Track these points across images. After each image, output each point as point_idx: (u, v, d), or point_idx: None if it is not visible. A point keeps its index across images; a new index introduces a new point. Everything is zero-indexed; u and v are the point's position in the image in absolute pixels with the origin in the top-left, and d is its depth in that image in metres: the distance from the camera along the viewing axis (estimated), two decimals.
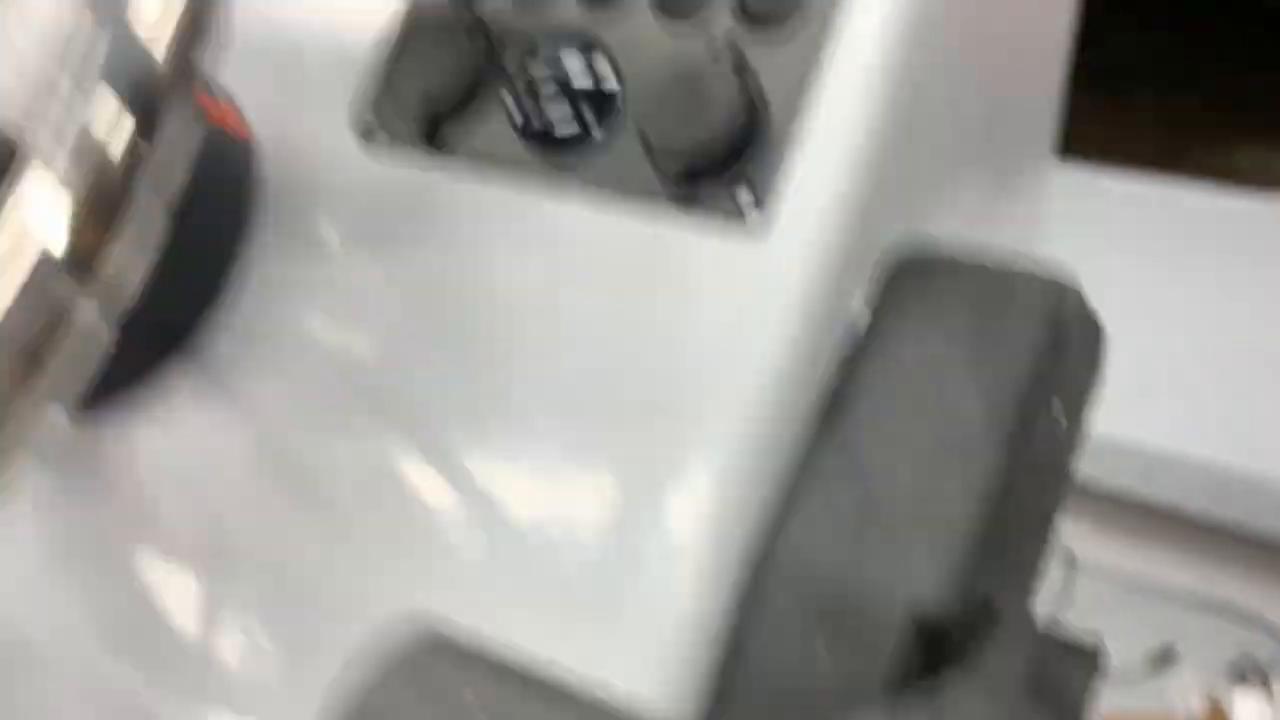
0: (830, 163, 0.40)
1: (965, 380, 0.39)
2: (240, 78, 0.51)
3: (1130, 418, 1.37)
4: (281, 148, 0.49)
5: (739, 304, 0.39)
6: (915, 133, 0.43)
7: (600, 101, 0.43)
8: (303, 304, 0.47)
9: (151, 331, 0.47)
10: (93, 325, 0.33)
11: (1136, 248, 1.88)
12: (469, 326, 0.43)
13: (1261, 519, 1.30)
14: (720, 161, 0.40)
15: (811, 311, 0.39)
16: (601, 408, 0.41)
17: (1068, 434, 0.45)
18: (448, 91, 0.45)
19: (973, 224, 0.54)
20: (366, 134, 0.47)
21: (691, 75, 0.40)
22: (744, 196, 0.40)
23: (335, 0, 0.50)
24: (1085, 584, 1.35)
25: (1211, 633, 1.29)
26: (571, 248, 0.43)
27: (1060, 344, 0.41)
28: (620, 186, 0.42)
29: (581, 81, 0.43)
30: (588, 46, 0.44)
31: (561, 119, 0.43)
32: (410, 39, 0.46)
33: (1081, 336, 0.45)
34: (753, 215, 0.40)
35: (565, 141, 0.43)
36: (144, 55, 0.33)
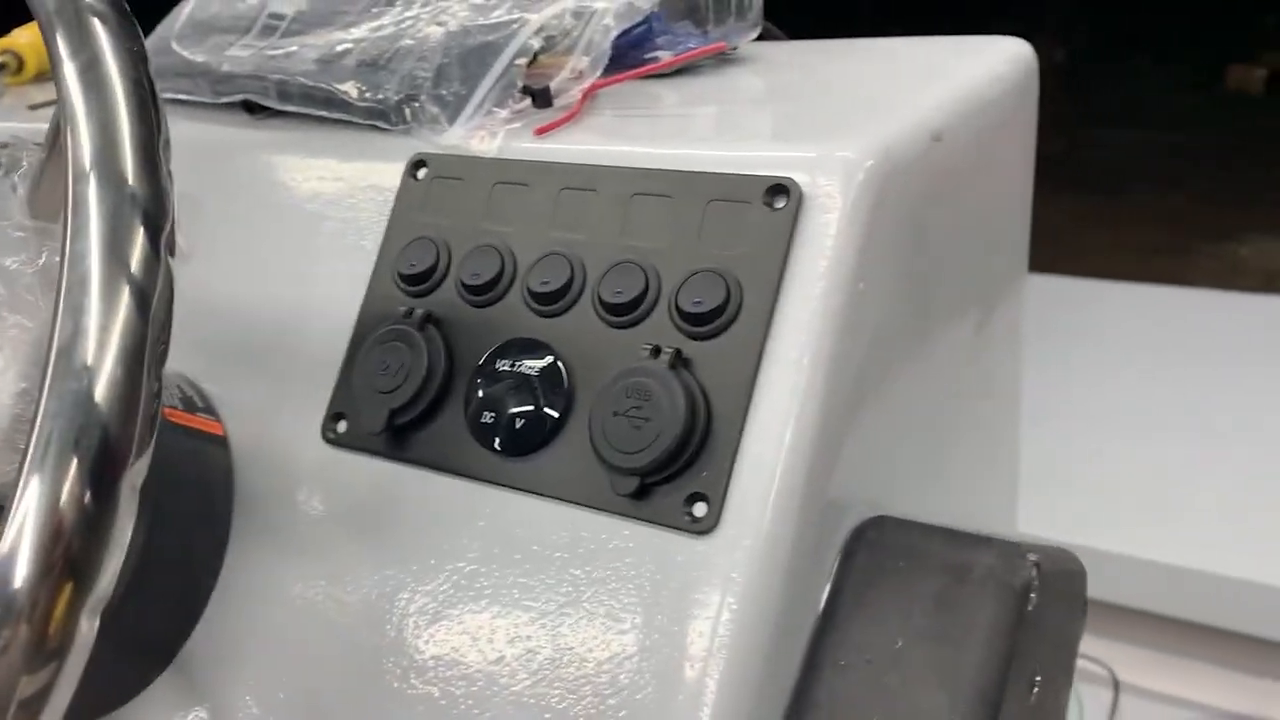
0: (777, 454, 0.41)
1: (925, 672, 0.39)
2: (218, 384, 0.53)
3: (1159, 537, 1.36)
4: (256, 451, 0.51)
5: (691, 603, 0.40)
6: (872, 393, 0.45)
7: (552, 407, 0.45)
8: (280, 608, 0.48)
9: (136, 649, 0.48)
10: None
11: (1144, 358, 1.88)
12: (433, 643, 0.44)
13: None
14: (669, 468, 0.41)
15: (765, 607, 0.40)
16: (565, 709, 0.41)
17: (1051, 695, 0.45)
18: (405, 393, 0.47)
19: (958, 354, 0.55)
20: (331, 435, 0.49)
21: (640, 387, 0.42)
22: (692, 499, 0.41)
23: (304, 305, 0.52)
24: (1129, 703, 1.31)
25: None
26: (524, 546, 0.44)
27: (1026, 616, 0.41)
28: (571, 489, 0.43)
29: (534, 387, 0.45)
30: (539, 352, 0.46)
31: (514, 422, 0.45)
32: (369, 343, 0.48)
33: (1057, 596, 0.45)
34: (702, 516, 0.40)
35: (518, 443, 0.45)
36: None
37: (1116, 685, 1.34)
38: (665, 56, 0.59)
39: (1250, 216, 5.08)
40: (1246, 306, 2.48)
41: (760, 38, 0.67)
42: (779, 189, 0.43)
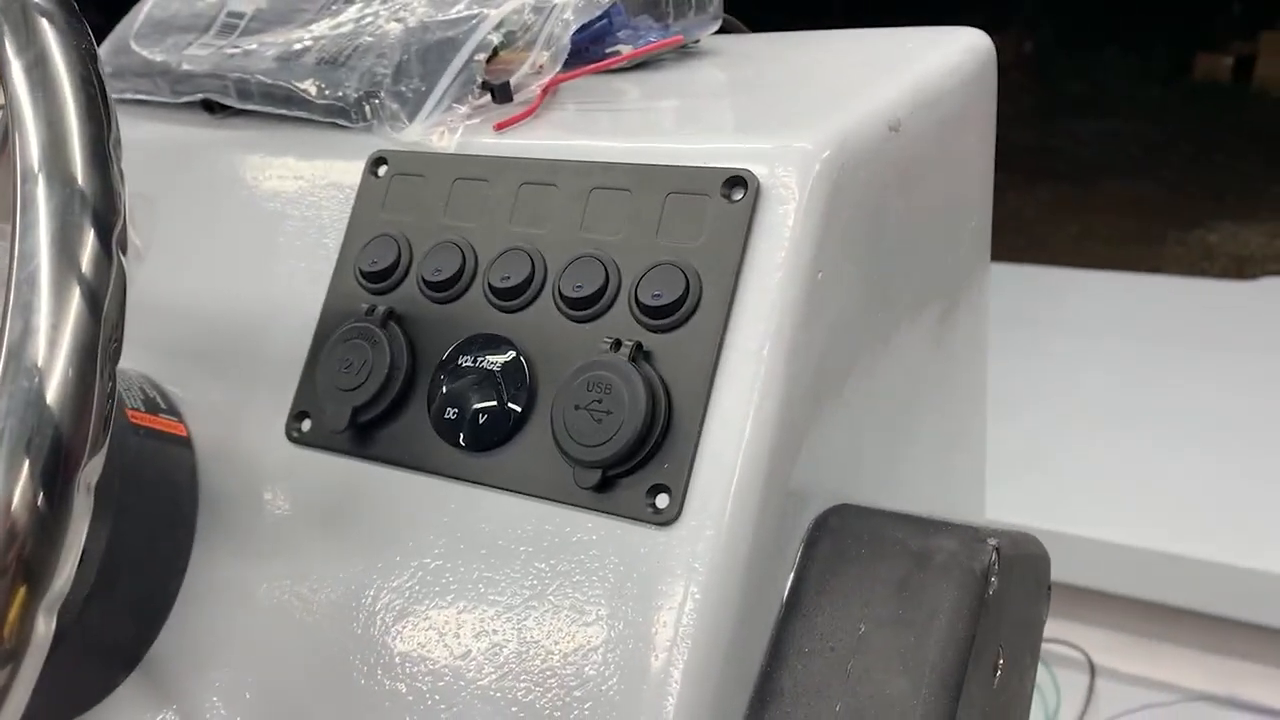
0: (738, 445, 0.41)
1: (888, 657, 0.40)
2: (181, 385, 0.53)
3: (1131, 522, 1.37)
4: (220, 451, 0.51)
5: (655, 594, 0.40)
6: (833, 382, 0.45)
7: (514, 402, 0.45)
8: (246, 608, 0.48)
9: (101, 653, 0.48)
10: None
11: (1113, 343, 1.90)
12: (396, 641, 0.44)
13: (1267, 614, 1.29)
14: (631, 461, 0.41)
15: (728, 596, 0.40)
16: (531, 702, 0.41)
17: (1015, 677, 0.46)
18: (368, 390, 0.47)
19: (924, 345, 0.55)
20: (295, 434, 0.49)
21: (600, 380, 0.42)
22: (654, 491, 0.41)
23: (266, 304, 0.52)
24: (1105, 686, 1.33)
25: None
26: (489, 541, 0.44)
27: (987, 600, 0.41)
28: (534, 484, 0.43)
29: (496, 382, 0.45)
30: (501, 347, 0.46)
31: (478, 417, 0.45)
32: (332, 341, 0.48)
33: (1019, 579, 0.46)
34: (664, 508, 0.41)
35: (482, 439, 0.45)
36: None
37: (1092, 668, 1.36)
38: (625, 50, 0.59)
39: (1219, 204, 5.14)
40: (1216, 292, 2.51)
41: (721, 31, 0.67)
42: (737, 181, 0.43)
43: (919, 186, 0.52)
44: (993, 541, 0.42)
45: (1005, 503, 1.30)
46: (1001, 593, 0.43)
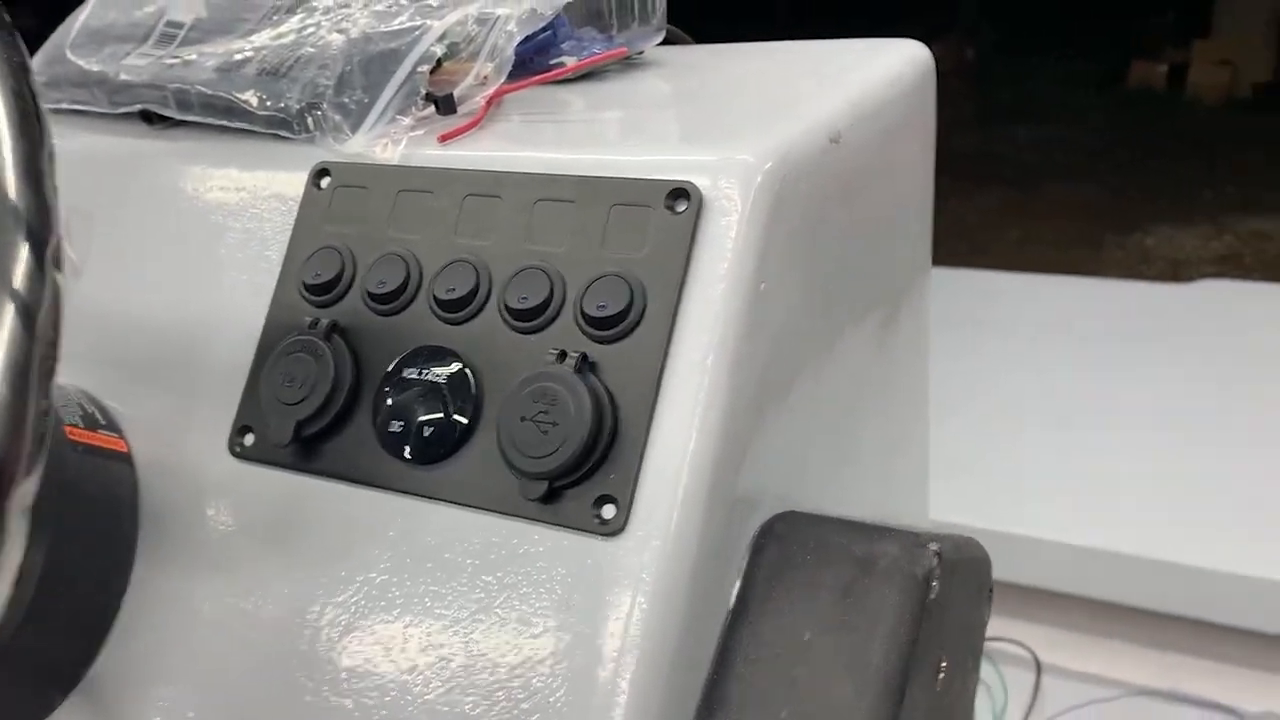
0: (683, 454, 0.41)
1: (832, 663, 0.40)
2: (121, 400, 0.52)
3: (1075, 521, 1.40)
4: (162, 467, 0.50)
5: (602, 605, 0.40)
6: (777, 391, 0.45)
7: (460, 414, 0.45)
8: (189, 625, 0.47)
9: (38, 675, 0.47)
10: None
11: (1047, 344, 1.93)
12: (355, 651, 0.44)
13: (1207, 609, 1.32)
14: (577, 472, 0.41)
15: (675, 605, 0.40)
16: (479, 716, 0.41)
17: (959, 679, 0.47)
18: (312, 404, 0.46)
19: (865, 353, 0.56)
20: (238, 449, 0.48)
21: (546, 392, 0.42)
22: (600, 502, 0.41)
23: (208, 318, 0.52)
24: (1051, 683, 1.36)
25: None
26: (435, 554, 0.44)
27: (929, 604, 0.42)
28: (480, 497, 0.43)
29: (442, 394, 0.45)
30: (447, 359, 0.46)
31: (423, 430, 0.45)
32: (275, 354, 0.48)
33: (961, 583, 0.47)
34: (610, 518, 0.41)
35: (428, 452, 0.45)
36: None
37: (1038, 666, 1.38)
38: (570, 62, 0.60)
39: (1156, 208, 5.26)
40: (1151, 295, 2.57)
41: (666, 42, 0.68)
42: (680, 193, 0.44)
43: (860, 197, 0.53)
44: (934, 546, 0.43)
45: (950, 503, 1.32)
46: (943, 597, 0.43)
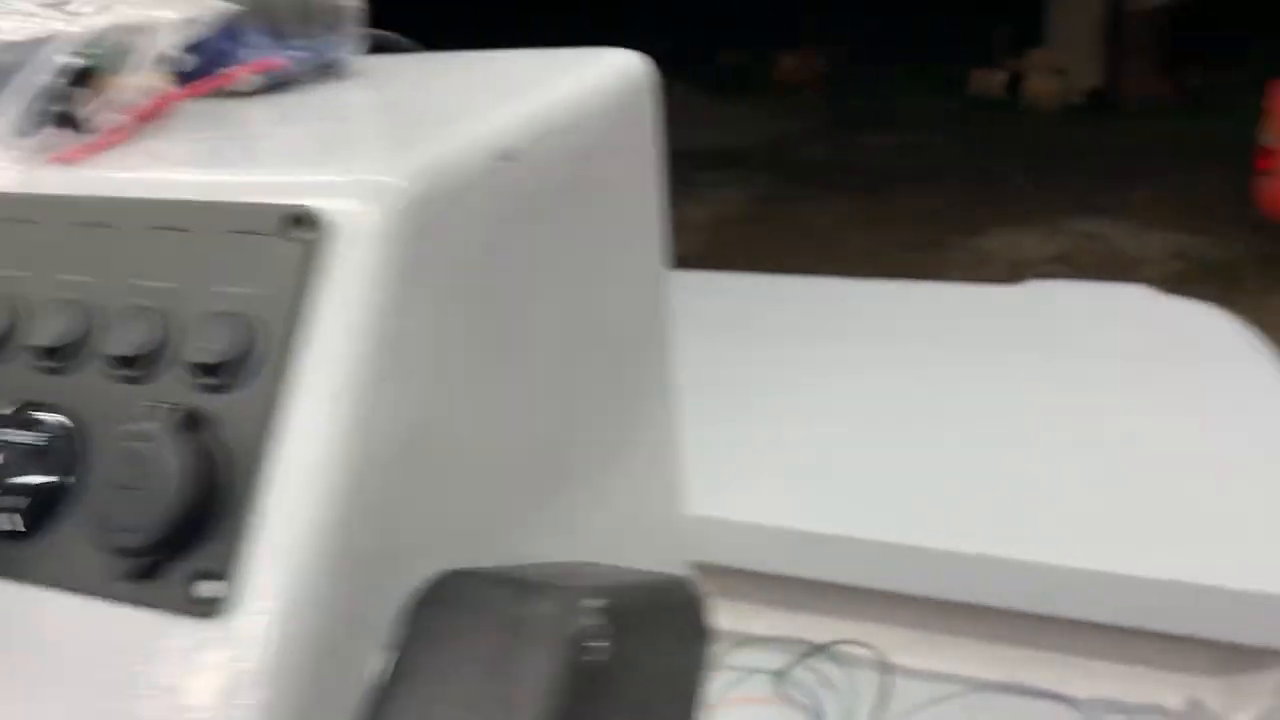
0: (302, 517, 0.36)
1: None
2: None
3: (911, 522, 1.40)
4: None
5: (202, 697, 0.35)
6: (436, 433, 0.41)
7: (58, 481, 0.38)
8: None
9: None
10: None
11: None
12: None
13: (1040, 603, 1.34)
14: (173, 544, 0.36)
15: (290, 690, 0.35)
16: None
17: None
18: None
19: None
20: None
21: (136, 454, 0.36)
22: (201, 577, 0.36)
23: None
24: (898, 684, 1.35)
25: (1024, 714, 1.31)
26: (19, 642, 0.37)
27: (590, 667, 0.38)
28: (70, 576, 0.37)
29: (41, 458, 0.39)
30: (47, 416, 0.39)
31: (17, 500, 0.39)
32: None
33: (654, 631, 0.43)
34: (212, 597, 0.36)
35: (23, 524, 0.38)
36: None
37: (886, 666, 1.38)
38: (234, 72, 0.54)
39: (996, 211, 5.46)
40: (986, 296, 2.63)
41: (384, 50, 0.63)
42: (300, 219, 0.39)
43: (553, 217, 0.49)
44: (594, 603, 0.38)
45: (787, 510, 1.31)
46: (617, 654, 0.39)
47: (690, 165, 6.59)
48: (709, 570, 1.42)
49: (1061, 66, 7.18)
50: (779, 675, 1.35)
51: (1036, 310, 2.20)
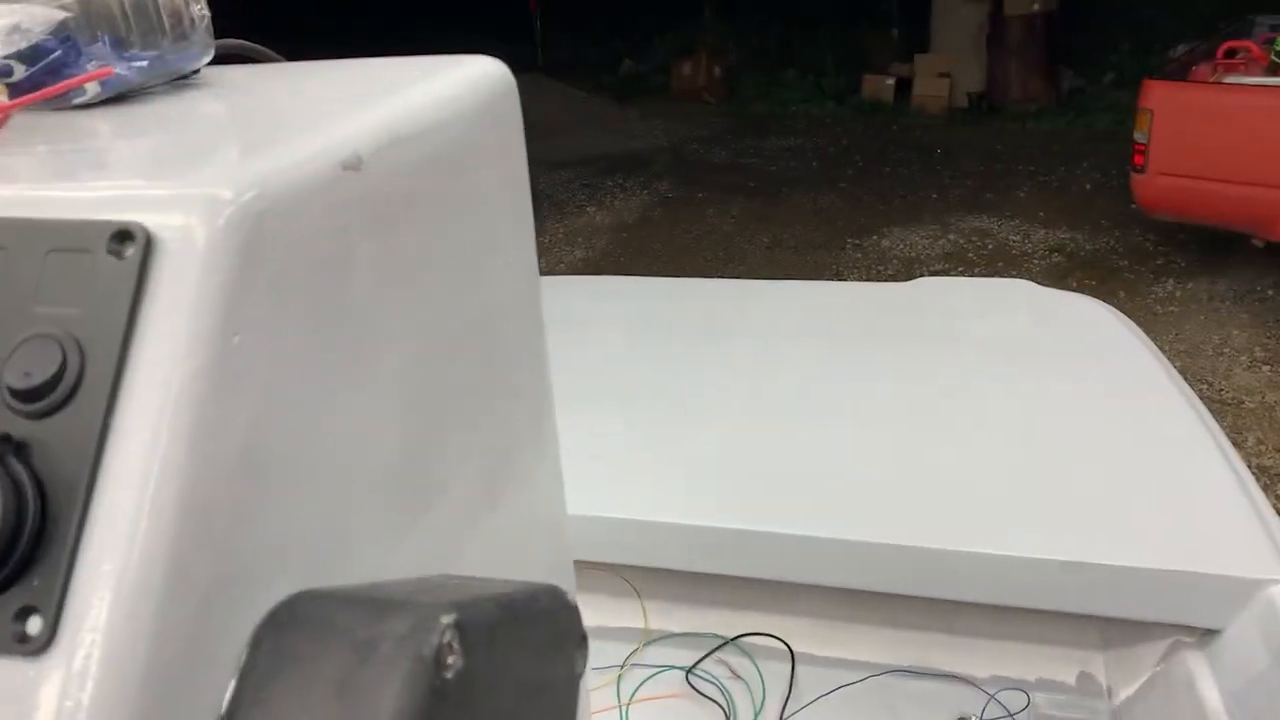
0: (128, 547, 0.34)
1: None
2: None
3: (811, 513, 1.42)
4: None
5: None
6: (277, 453, 0.39)
7: None
8: None
9: None
10: None
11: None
12: None
13: (940, 588, 1.37)
14: None
15: None
16: None
17: None
18: None
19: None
20: None
21: None
22: (23, 615, 0.34)
23: None
24: (805, 672, 1.37)
25: (927, 696, 1.34)
26: None
27: (446, 686, 0.37)
28: None
29: None
30: None
31: None
32: None
33: (520, 643, 0.42)
34: (35, 634, 0.34)
35: None
36: None
37: (793, 656, 1.40)
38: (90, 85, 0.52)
39: (890, 210, 5.58)
40: (882, 295, 2.68)
41: (248, 60, 0.61)
42: (124, 234, 0.37)
43: (408, 226, 0.48)
44: (448, 619, 0.38)
45: (702, 507, 1.31)
46: (476, 670, 0.39)
47: (595, 171, 6.63)
48: (614, 569, 1.42)
49: (946, 71, 7.39)
50: (689, 671, 1.35)
51: (926, 306, 2.25)
